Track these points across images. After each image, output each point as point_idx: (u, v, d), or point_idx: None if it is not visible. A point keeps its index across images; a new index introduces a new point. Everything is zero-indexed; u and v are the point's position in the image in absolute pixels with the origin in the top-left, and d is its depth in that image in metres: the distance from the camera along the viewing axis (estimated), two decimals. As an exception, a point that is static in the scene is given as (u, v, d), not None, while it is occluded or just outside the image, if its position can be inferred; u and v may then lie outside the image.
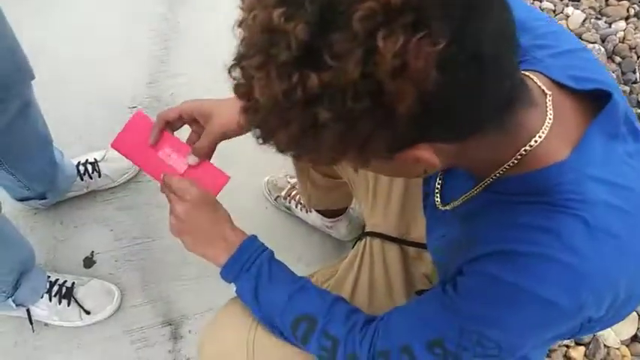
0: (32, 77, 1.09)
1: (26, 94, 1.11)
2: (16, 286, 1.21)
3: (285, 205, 1.53)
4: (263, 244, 0.80)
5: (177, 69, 1.81)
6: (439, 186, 0.71)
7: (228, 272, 0.78)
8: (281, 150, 0.49)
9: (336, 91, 0.42)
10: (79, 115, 1.69)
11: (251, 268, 0.76)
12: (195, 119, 0.84)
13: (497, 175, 0.57)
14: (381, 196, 0.96)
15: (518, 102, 0.52)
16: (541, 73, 0.58)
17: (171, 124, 0.85)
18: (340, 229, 1.48)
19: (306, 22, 0.41)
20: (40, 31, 1.85)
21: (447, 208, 0.68)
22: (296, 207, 1.51)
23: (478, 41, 0.43)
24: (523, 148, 0.54)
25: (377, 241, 0.92)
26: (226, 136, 0.82)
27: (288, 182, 1.54)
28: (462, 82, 0.43)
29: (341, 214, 1.45)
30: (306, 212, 1.50)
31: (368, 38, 0.40)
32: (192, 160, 0.83)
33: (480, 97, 0.46)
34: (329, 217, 1.46)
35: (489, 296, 0.55)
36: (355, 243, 0.96)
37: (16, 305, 1.24)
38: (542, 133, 0.53)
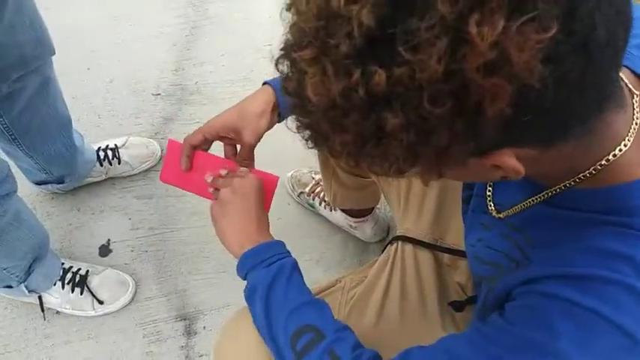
0: (52, 53, 1.05)
1: (46, 71, 1.07)
2: (29, 272, 1.17)
3: (309, 202, 1.47)
4: (290, 252, 0.75)
5: (203, 57, 1.77)
6: (490, 192, 0.64)
7: (247, 261, 0.72)
8: (334, 156, 0.44)
9: (410, 92, 0.34)
10: (103, 100, 1.66)
11: (271, 266, 0.71)
12: (222, 136, 0.81)
13: (564, 187, 0.50)
14: (414, 200, 0.89)
15: (611, 102, 0.43)
16: (627, 67, 0.50)
17: (199, 147, 0.82)
18: (365, 229, 1.42)
19: (374, 5, 0.33)
20: (71, 14, 1.83)
21: (500, 216, 0.61)
22: (320, 205, 1.45)
23: (591, 25, 0.35)
24: (605, 158, 0.46)
25: (409, 247, 0.86)
26: (261, 137, 0.80)
27: (313, 178, 1.48)
28: (566, 77, 0.35)
29: (367, 214, 1.39)
30: (330, 211, 1.44)
31: (457, 24, 0.32)
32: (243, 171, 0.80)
33: (579, 95, 0.38)
34: (354, 217, 1.39)
35: (553, 320, 0.47)
36: (385, 247, 0.90)
37: (29, 291, 1.21)
38: (628, 140, 0.45)
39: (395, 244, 0.87)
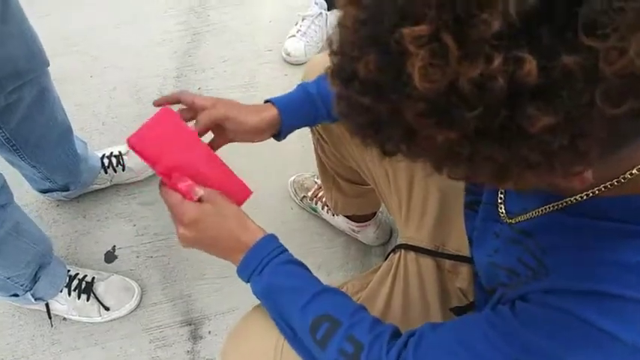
0: (47, 64, 1.07)
1: (42, 81, 1.08)
2: (34, 280, 1.19)
3: (311, 207, 1.48)
4: (279, 245, 0.73)
5: (205, 63, 1.78)
6: (502, 198, 0.64)
7: (242, 272, 0.72)
8: (412, 156, 0.39)
9: (576, 85, 0.29)
10: (106, 107, 1.68)
11: (262, 273, 0.70)
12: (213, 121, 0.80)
13: (586, 195, 0.48)
14: (415, 208, 0.90)
15: None
16: None
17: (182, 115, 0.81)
18: (368, 234, 1.43)
19: None
20: (73, 21, 1.84)
21: (512, 221, 0.61)
22: (322, 209, 1.46)
23: None
24: (637, 167, 0.43)
25: (411, 255, 0.86)
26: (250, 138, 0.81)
27: (315, 182, 1.49)
28: None
29: (369, 219, 1.40)
30: (333, 215, 1.45)
31: None
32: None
33: None
34: (356, 222, 1.41)
35: (567, 338, 0.46)
36: (388, 256, 0.91)
37: (35, 299, 1.22)
38: None
39: (398, 253, 0.87)
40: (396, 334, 0.64)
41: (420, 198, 0.89)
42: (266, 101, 0.83)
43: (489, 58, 0.29)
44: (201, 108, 0.80)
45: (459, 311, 0.82)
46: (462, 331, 0.58)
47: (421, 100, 0.32)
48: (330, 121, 0.86)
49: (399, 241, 0.91)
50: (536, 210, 0.56)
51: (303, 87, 0.84)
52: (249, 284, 0.73)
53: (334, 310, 0.66)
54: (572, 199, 0.50)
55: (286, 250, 0.73)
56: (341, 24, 0.36)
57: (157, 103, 0.82)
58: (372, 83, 0.34)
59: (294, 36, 1.77)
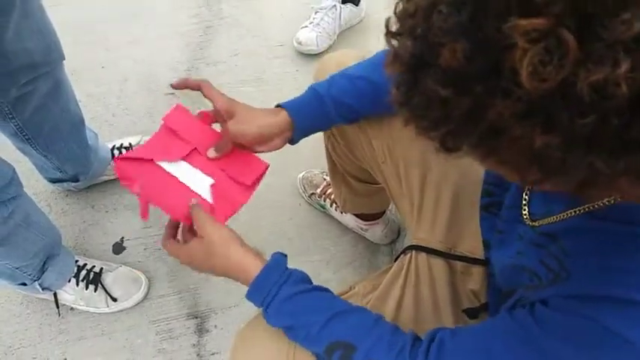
0: (62, 58, 1.07)
1: (57, 74, 1.09)
2: (42, 270, 1.19)
3: (320, 204, 1.48)
4: (277, 278, 0.69)
5: (216, 57, 1.78)
6: (527, 200, 0.63)
7: (252, 300, 0.71)
8: (499, 161, 0.36)
9: None
10: (117, 99, 1.68)
11: (269, 307, 0.68)
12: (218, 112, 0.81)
13: (614, 200, 0.47)
14: (427, 209, 0.89)
15: None
16: None
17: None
18: (376, 232, 1.43)
19: None
20: (84, 11, 1.84)
21: (536, 224, 0.60)
22: (330, 206, 1.46)
23: None
24: None
25: (422, 256, 0.86)
26: (259, 141, 0.79)
27: (324, 179, 1.49)
28: None
29: (378, 218, 1.39)
30: (341, 212, 1.45)
31: None
32: (213, 154, 0.79)
33: None
34: (364, 220, 1.40)
35: (589, 345, 0.46)
36: (398, 257, 0.90)
37: (42, 289, 1.23)
38: None
39: (409, 254, 0.87)
40: (415, 341, 0.63)
41: (432, 199, 0.88)
42: (276, 106, 0.82)
43: (617, 63, 0.27)
44: (217, 102, 0.80)
45: (471, 312, 0.82)
46: (482, 338, 0.58)
47: (521, 99, 0.30)
48: (344, 122, 0.85)
49: (410, 242, 0.90)
50: (562, 213, 0.55)
51: (313, 89, 0.82)
52: None
53: (346, 334, 0.64)
54: (599, 203, 0.49)
55: (287, 278, 0.69)
56: (433, 6, 0.33)
57: (175, 85, 0.81)
58: (455, 73, 0.32)
59: (306, 27, 1.76)
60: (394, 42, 0.36)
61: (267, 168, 0.81)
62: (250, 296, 0.70)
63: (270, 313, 0.69)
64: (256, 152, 0.82)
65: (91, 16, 1.84)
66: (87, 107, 1.61)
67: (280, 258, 0.72)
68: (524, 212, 0.63)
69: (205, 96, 0.81)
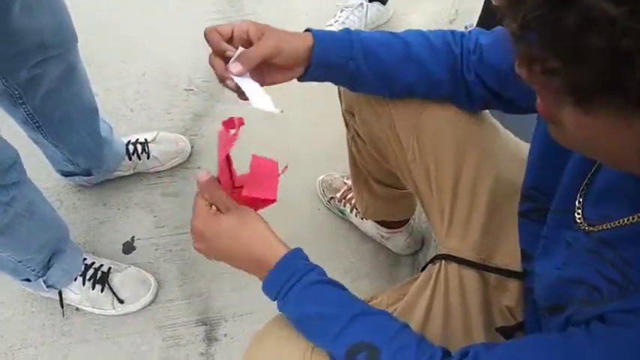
0: (75, 40, 1.03)
1: (69, 58, 1.04)
2: (47, 266, 1.14)
3: (339, 209, 1.40)
4: (305, 264, 0.66)
5: (238, 54, 1.72)
6: (580, 201, 0.56)
7: (268, 292, 0.67)
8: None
9: None
10: (135, 93, 1.64)
11: (289, 294, 0.64)
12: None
13: None
14: (460, 215, 0.81)
15: None
16: None
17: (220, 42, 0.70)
18: (398, 241, 1.34)
19: None
20: (106, 9, 1.81)
21: (593, 229, 0.53)
22: (351, 212, 1.38)
23: None
24: None
25: (453, 266, 0.78)
26: (276, 54, 0.69)
27: (345, 183, 1.41)
28: None
29: (401, 226, 1.31)
30: (362, 219, 1.37)
31: None
32: (235, 68, 0.68)
33: None
34: (386, 228, 1.32)
35: None
36: (426, 265, 0.82)
37: (47, 286, 1.17)
38: None
39: (437, 263, 0.79)
40: (446, 355, 0.57)
41: (465, 203, 0.80)
42: (305, 30, 0.75)
43: None
44: (253, 38, 0.71)
45: (506, 332, 0.73)
46: (521, 355, 0.52)
47: None
48: (366, 69, 0.74)
49: (439, 250, 0.82)
50: (623, 219, 0.49)
51: (346, 28, 0.76)
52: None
53: (371, 335, 0.59)
54: None
55: (314, 267, 0.66)
56: None
57: (208, 32, 0.70)
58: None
59: (331, 25, 1.70)
60: None
61: (277, 166, 0.73)
62: (272, 277, 0.65)
63: (290, 297, 0.64)
64: (268, 80, 0.73)
65: (110, 7, 1.81)
66: (105, 101, 1.57)
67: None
68: (577, 216, 0.56)
69: (238, 36, 0.71)
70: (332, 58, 0.73)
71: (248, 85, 0.70)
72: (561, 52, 0.34)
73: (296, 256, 0.66)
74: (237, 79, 0.70)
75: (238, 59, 0.69)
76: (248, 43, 0.70)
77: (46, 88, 1.02)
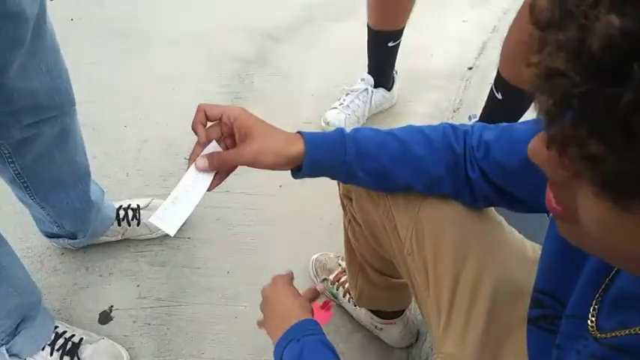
0: (72, 104, 1.02)
1: (65, 121, 1.03)
2: (14, 333, 1.06)
3: (332, 292, 1.34)
4: (319, 329, 0.76)
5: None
6: (596, 308, 0.52)
7: (281, 341, 0.74)
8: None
9: None
10: (134, 158, 1.63)
11: (301, 340, 0.73)
12: (231, 134, 0.74)
13: None
14: (458, 317, 0.75)
15: None
16: None
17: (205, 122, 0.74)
18: (392, 333, 1.27)
19: None
20: (118, 71, 1.85)
21: (604, 336, 0.49)
22: (343, 296, 1.32)
23: None
24: None
25: (452, 372, 0.71)
26: (255, 164, 0.71)
27: (339, 265, 1.36)
28: None
29: (396, 317, 1.24)
30: (354, 306, 1.30)
31: None
32: (201, 164, 0.71)
33: None
34: (381, 317, 1.25)
35: None
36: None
37: (10, 355, 1.09)
38: None
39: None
40: None
41: (464, 308, 0.75)
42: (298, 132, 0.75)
43: None
44: (237, 133, 0.73)
45: None
46: None
47: None
48: (360, 171, 0.74)
49: (436, 356, 0.76)
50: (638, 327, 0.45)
51: (339, 129, 0.75)
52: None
53: None
54: None
55: (324, 335, 0.75)
56: None
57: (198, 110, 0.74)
58: None
59: (335, 108, 1.72)
60: None
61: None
62: (296, 326, 0.76)
63: (303, 342, 0.73)
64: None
65: (121, 75, 1.84)
66: (102, 164, 1.56)
67: None
68: (590, 324, 0.51)
69: (211, 116, 0.74)
70: (324, 163, 0.73)
71: (189, 187, 0.72)
72: (608, 135, 0.28)
73: (314, 321, 0.78)
74: (190, 171, 0.70)
75: (210, 158, 0.71)
76: (230, 135, 0.73)
77: (38, 150, 1.00)
